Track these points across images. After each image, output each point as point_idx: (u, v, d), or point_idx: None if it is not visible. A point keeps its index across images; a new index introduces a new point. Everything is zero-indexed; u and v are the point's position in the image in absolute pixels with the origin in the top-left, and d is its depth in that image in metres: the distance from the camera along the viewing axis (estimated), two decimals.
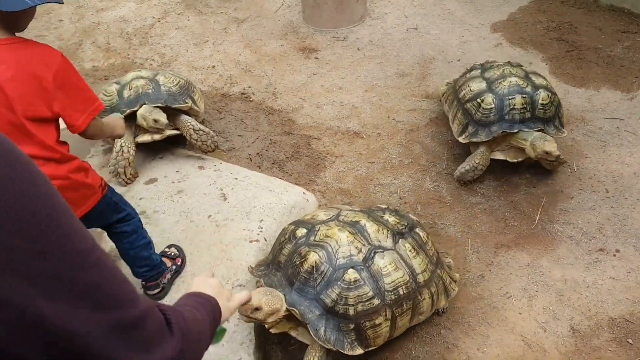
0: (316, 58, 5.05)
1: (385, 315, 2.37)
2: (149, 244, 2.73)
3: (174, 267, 2.92)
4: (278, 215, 3.31)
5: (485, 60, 4.18)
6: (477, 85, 3.70)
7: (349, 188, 3.72)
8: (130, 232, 2.60)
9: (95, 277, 0.85)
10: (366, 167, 3.88)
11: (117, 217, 2.54)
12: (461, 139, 3.64)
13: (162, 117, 3.50)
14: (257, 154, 4.03)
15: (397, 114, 4.35)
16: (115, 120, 2.55)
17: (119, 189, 3.46)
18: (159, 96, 3.60)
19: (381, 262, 2.42)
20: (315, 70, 4.89)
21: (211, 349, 1.27)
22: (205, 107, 4.15)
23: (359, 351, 2.34)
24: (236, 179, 3.58)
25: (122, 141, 3.47)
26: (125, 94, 3.59)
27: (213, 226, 3.21)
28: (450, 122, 3.86)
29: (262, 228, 3.19)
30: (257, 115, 4.41)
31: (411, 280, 2.48)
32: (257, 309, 2.28)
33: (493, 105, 3.54)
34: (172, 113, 3.67)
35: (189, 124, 3.66)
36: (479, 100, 3.60)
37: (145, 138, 3.54)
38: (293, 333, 2.50)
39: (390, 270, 2.42)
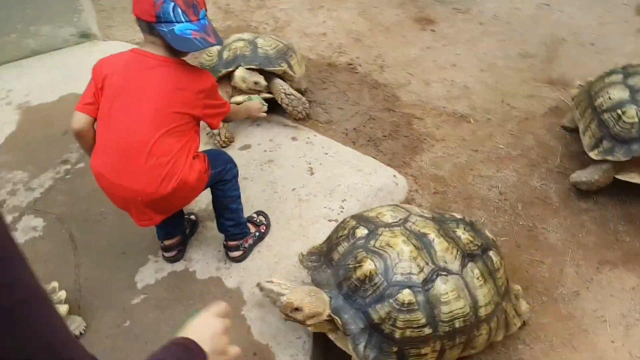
0: (432, 30, 4.75)
1: (434, 347, 2.12)
2: (239, 199, 2.74)
3: (257, 233, 2.92)
4: (362, 196, 3.18)
5: (624, 48, 3.65)
6: (618, 94, 3.15)
7: (444, 176, 3.48)
8: (228, 179, 2.63)
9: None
10: (468, 155, 3.60)
11: (220, 176, 2.60)
12: (593, 155, 3.15)
13: (261, 79, 3.50)
14: (354, 129, 3.89)
15: (513, 99, 3.97)
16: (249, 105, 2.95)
17: None
18: (255, 58, 3.59)
19: (442, 287, 2.12)
20: (430, 43, 4.60)
21: None
22: (306, 75, 4.07)
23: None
24: (326, 153, 3.48)
25: None
26: (225, 54, 3.62)
27: (296, 200, 3.16)
28: (581, 132, 3.34)
29: (343, 208, 3.09)
30: (360, 88, 4.25)
31: (471, 313, 2.16)
32: (297, 309, 2.14)
33: (637, 120, 3.00)
34: (267, 77, 3.64)
35: (281, 87, 3.64)
36: (619, 111, 3.07)
37: (238, 99, 3.55)
38: (331, 336, 2.29)
39: (451, 298, 2.12)
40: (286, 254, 2.88)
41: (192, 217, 3.07)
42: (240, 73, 3.52)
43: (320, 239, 2.83)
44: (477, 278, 2.22)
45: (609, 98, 3.18)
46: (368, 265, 2.13)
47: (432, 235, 2.25)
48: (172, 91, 2.29)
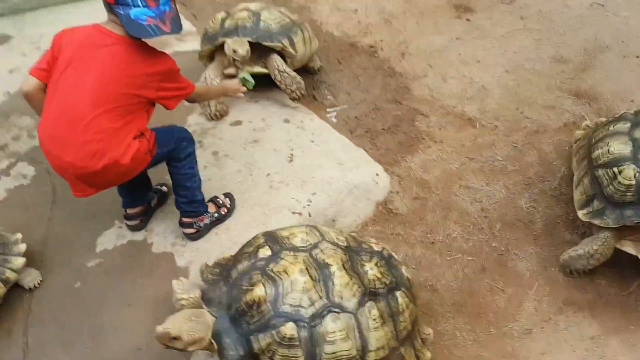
0: (467, 20, 4.45)
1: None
2: (194, 177, 2.77)
3: (215, 214, 2.94)
4: (334, 192, 3.12)
5: None
6: (619, 147, 2.72)
7: (430, 181, 3.34)
8: (182, 157, 2.68)
9: None
10: (461, 163, 3.42)
11: (172, 156, 2.64)
12: (581, 214, 2.77)
13: (242, 49, 3.35)
14: (356, 117, 3.78)
15: (530, 107, 3.70)
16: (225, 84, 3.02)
17: (205, 124, 3.57)
18: (254, 31, 3.48)
19: (331, 325, 2.00)
20: (460, 34, 4.33)
21: None
22: (323, 53, 3.94)
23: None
24: (312, 141, 3.42)
25: (207, 72, 3.50)
26: (227, 23, 3.54)
27: (267, 186, 3.14)
28: (574, 185, 2.97)
29: (310, 202, 3.05)
30: (374, 74, 4.09)
31: (357, 357, 2.05)
32: (175, 338, 2.02)
33: (634, 182, 2.60)
34: (266, 52, 3.56)
35: (275, 63, 3.53)
36: (615, 169, 2.67)
37: (230, 70, 3.50)
38: (211, 351, 2.16)
39: (338, 338, 2.01)
40: (243, 239, 2.85)
41: (164, 188, 3.13)
42: (228, 41, 3.43)
43: None
44: (374, 319, 2.09)
45: (608, 151, 2.75)
46: (258, 291, 2.03)
47: (335, 267, 2.12)
48: (120, 71, 2.31)
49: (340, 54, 4.31)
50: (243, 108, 3.69)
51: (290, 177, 3.18)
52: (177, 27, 2.35)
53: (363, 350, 2.07)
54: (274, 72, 3.54)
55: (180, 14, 2.46)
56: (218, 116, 3.57)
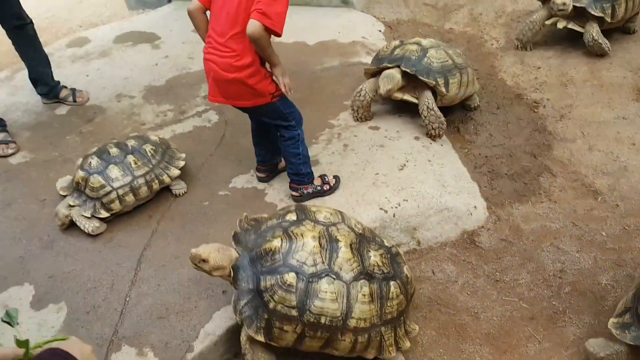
0: None
1: (295, 329, 2.45)
2: (299, 156, 3.37)
3: (318, 187, 3.51)
4: (424, 206, 3.46)
5: None
6: None
7: (525, 230, 3.47)
8: (287, 137, 3.32)
9: None
10: (563, 225, 3.47)
11: (280, 123, 3.29)
12: (611, 322, 2.63)
13: (383, 88, 3.89)
14: (486, 156, 4.03)
15: None
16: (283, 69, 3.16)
17: (350, 122, 4.18)
18: (415, 65, 3.92)
19: (324, 286, 2.42)
20: (629, 115, 4.25)
21: None
22: (490, 95, 4.23)
23: (260, 338, 2.44)
24: (429, 160, 3.79)
25: (365, 84, 4.08)
26: (396, 51, 4.07)
27: (371, 182, 3.60)
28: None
29: (399, 205, 3.44)
30: (525, 126, 4.27)
31: (340, 318, 2.45)
32: (204, 260, 2.52)
33: None
34: (421, 86, 3.99)
35: (426, 100, 3.92)
36: None
37: (380, 91, 4.00)
38: (229, 281, 2.65)
39: (327, 297, 2.42)
40: None
41: None
42: (385, 72, 3.96)
43: (362, 220, 3.20)
44: (363, 295, 2.48)
45: None
46: (276, 243, 2.52)
47: (342, 244, 2.54)
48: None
49: (502, 100, 4.56)
50: (391, 119, 4.21)
51: (393, 181, 3.61)
52: None
53: (346, 315, 2.47)
54: (423, 107, 3.92)
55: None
56: (362, 119, 4.15)
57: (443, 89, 3.92)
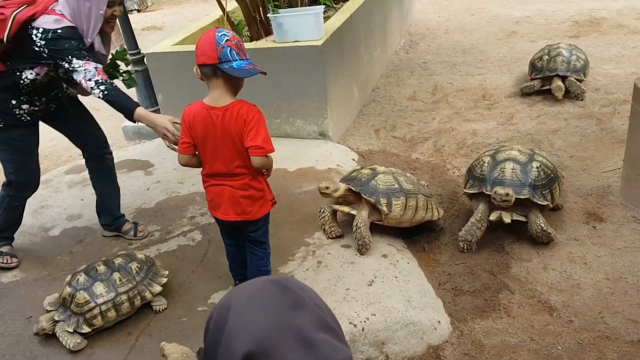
0: (594, 227, 4.73)
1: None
2: (268, 274, 3.68)
3: None
4: (391, 321, 3.67)
5: None
6: None
7: (485, 345, 3.66)
8: (260, 257, 3.63)
9: None
10: (521, 340, 3.68)
11: (263, 239, 3.63)
12: None
13: (326, 184, 4.45)
14: (449, 274, 4.33)
15: (613, 316, 3.77)
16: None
17: (324, 240, 4.51)
18: (362, 184, 4.43)
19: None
20: (580, 237, 4.61)
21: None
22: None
23: (384, 208, 4.26)
24: (396, 277, 4.07)
25: (325, 204, 4.56)
26: (352, 174, 4.65)
27: (341, 297, 3.83)
28: None
29: (367, 319, 3.66)
30: (486, 246, 4.61)
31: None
32: (164, 356, 2.77)
33: None
34: (362, 204, 4.45)
35: (359, 216, 4.36)
36: None
37: (321, 186, 4.51)
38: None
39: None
40: None
41: None
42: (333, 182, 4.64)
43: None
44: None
45: None
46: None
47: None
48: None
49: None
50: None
51: (362, 296, 3.86)
52: (261, 71, 3.07)
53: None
54: (354, 223, 4.33)
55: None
56: (333, 235, 4.51)
57: (385, 208, 4.33)
